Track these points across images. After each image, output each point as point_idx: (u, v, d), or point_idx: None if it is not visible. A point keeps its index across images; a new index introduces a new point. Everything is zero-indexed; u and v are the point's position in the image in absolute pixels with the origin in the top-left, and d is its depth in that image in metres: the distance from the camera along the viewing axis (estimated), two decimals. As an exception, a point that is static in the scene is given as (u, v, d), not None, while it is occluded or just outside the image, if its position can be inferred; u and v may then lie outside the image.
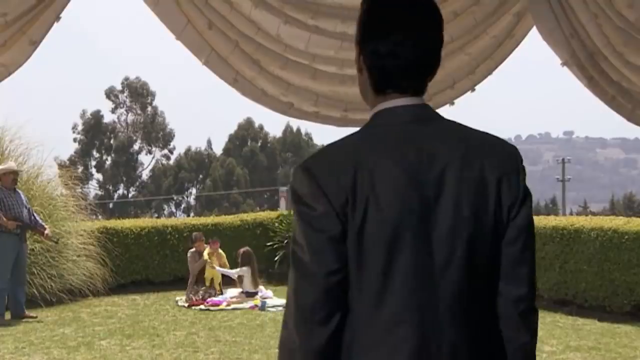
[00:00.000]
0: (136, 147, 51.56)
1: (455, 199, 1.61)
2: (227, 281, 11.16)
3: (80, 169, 40.53)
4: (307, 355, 1.59)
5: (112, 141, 50.52)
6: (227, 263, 11.24)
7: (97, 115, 49.88)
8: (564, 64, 3.58)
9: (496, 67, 3.76)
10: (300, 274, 1.61)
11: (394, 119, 1.68)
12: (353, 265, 1.58)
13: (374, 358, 1.59)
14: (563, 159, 49.91)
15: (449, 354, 1.59)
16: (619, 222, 9.45)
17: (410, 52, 1.68)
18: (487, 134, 1.72)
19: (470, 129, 1.72)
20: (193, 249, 11.19)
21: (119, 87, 51.30)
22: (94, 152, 50.39)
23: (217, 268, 11.03)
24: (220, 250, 11.29)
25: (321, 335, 1.58)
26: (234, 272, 10.97)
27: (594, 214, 15.08)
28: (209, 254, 11.06)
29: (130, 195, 50.48)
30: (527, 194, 1.70)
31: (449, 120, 1.72)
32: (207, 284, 10.89)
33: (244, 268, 10.90)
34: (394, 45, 1.67)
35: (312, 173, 1.62)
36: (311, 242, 1.58)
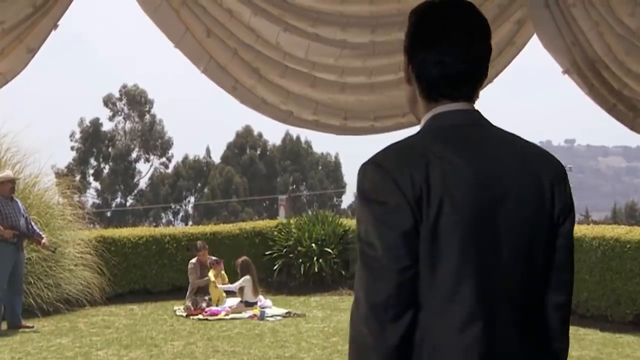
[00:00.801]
0: (134, 155, 51.50)
1: (518, 200, 1.67)
2: (227, 291, 11.10)
3: (78, 177, 40.45)
4: (383, 353, 1.58)
5: (110, 149, 50.46)
6: (228, 282, 11.20)
7: (95, 123, 49.84)
8: (565, 72, 3.56)
9: (497, 75, 3.73)
10: (372, 271, 1.59)
11: (451, 122, 1.73)
12: (425, 261, 1.59)
13: (446, 359, 1.59)
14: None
15: (513, 354, 1.64)
16: (621, 231, 9.42)
17: (460, 63, 1.74)
18: (532, 142, 1.79)
19: (517, 135, 1.79)
20: (195, 259, 11.10)
21: (117, 95, 51.30)
22: (92, 161, 50.32)
23: (220, 286, 10.95)
24: (222, 272, 11.23)
25: (395, 333, 1.57)
26: (235, 286, 10.91)
27: (595, 222, 15.04)
28: (214, 275, 10.95)
29: (128, 204, 50.39)
30: (572, 203, 1.77)
31: (498, 127, 1.79)
32: (215, 304, 10.78)
33: (246, 277, 10.86)
34: (444, 56, 1.73)
35: (385, 167, 1.63)
36: (384, 238, 1.58)
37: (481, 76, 1.79)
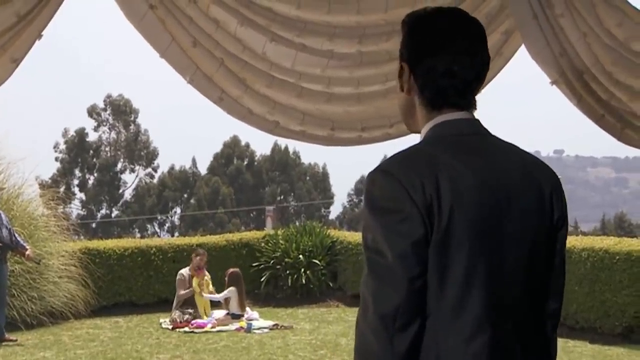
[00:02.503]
0: (119, 165, 51.26)
1: (522, 208, 1.69)
2: (213, 302, 11.03)
3: (62, 188, 40.20)
4: None
5: (94, 160, 50.18)
6: (213, 291, 11.11)
7: (80, 134, 49.57)
8: (553, 82, 3.55)
9: (485, 85, 3.72)
10: (382, 280, 1.57)
11: (455, 131, 1.73)
12: (434, 270, 1.58)
13: None
14: None
15: None
16: (610, 242, 9.43)
17: (468, 71, 1.75)
18: (528, 152, 1.82)
19: (515, 145, 1.81)
20: (185, 269, 10.98)
21: (102, 105, 51.08)
22: (77, 171, 50.02)
23: (205, 295, 10.87)
24: (207, 280, 11.13)
25: (402, 342, 1.56)
26: (221, 297, 10.84)
27: (584, 233, 15.11)
28: (198, 284, 10.86)
29: (113, 215, 50.11)
30: (567, 211, 1.80)
31: (496, 136, 1.80)
32: (202, 311, 10.68)
33: (231, 289, 10.78)
34: (452, 64, 1.73)
35: (395, 176, 1.61)
36: (395, 247, 1.57)
37: (482, 83, 1.83)
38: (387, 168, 1.65)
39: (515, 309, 1.65)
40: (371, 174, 1.66)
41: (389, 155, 1.73)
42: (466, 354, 1.59)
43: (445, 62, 1.73)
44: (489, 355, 1.60)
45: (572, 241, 9.86)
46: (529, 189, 1.72)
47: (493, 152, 1.73)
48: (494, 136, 1.79)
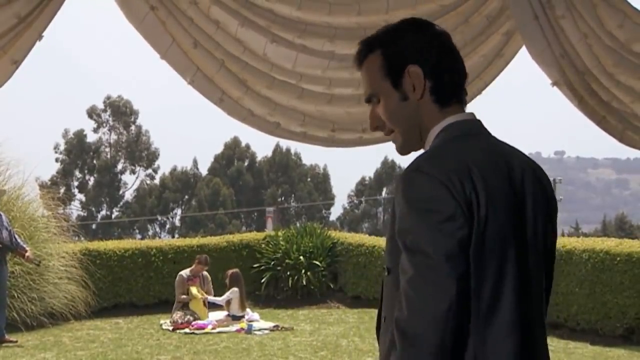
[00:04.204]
0: (120, 166, 51.24)
1: (534, 207, 1.71)
2: (213, 303, 11.01)
3: (63, 189, 40.20)
4: None
5: (94, 161, 50.16)
6: (211, 288, 11.09)
7: (80, 135, 49.55)
8: (554, 84, 3.54)
9: (485, 86, 3.72)
10: (431, 281, 1.55)
11: (468, 130, 1.78)
12: (473, 271, 1.58)
13: None
14: (554, 179, 50.40)
15: None
16: (610, 244, 9.42)
17: (461, 65, 1.82)
18: (524, 153, 1.84)
19: (511, 145, 1.84)
20: (185, 271, 10.97)
21: (101, 106, 51.07)
22: (77, 172, 50.00)
23: (210, 298, 10.83)
24: (206, 273, 11.11)
25: (453, 340, 1.54)
26: (223, 299, 10.81)
27: (585, 235, 15.13)
28: (196, 290, 10.81)
29: (113, 216, 50.10)
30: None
31: (495, 137, 1.83)
32: (200, 315, 10.65)
33: (234, 289, 10.78)
34: (455, 59, 1.81)
35: (434, 176, 1.61)
36: (441, 246, 1.55)
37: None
38: (424, 168, 1.63)
39: (537, 309, 1.70)
40: (408, 175, 1.64)
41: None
42: (501, 354, 1.61)
43: (450, 57, 1.80)
44: (521, 356, 1.63)
45: (572, 242, 9.86)
46: (539, 191, 1.74)
47: (505, 151, 1.75)
48: (494, 137, 1.81)
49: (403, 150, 1.85)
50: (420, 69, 1.77)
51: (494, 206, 1.62)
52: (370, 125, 1.88)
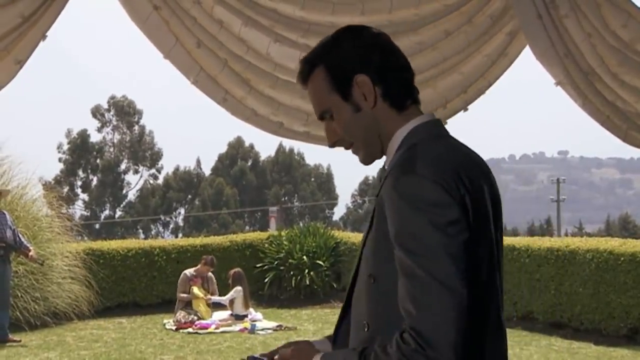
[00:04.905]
0: (123, 166, 51.29)
1: (497, 209, 1.72)
2: (217, 303, 11.01)
3: (66, 189, 40.24)
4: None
5: (98, 160, 50.21)
6: (216, 288, 11.09)
7: (83, 135, 49.61)
8: (557, 83, 3.54)
9: (489, 86, 3.71)
10: (441, 285, 1.53)
11: (437, 132, 1.74)
12: (472, 273, 1.60)
13: None
14: (558, 179, 48.76)
15: None
16: (614, 244, 9.39)
17: (406, 60, 1.79)
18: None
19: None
20: (189, 270, 10.97)
21: (106, 106, 51.11)
22: (80, 172, 50.04)
23: (213, 298, 10.83)
24: (210, 274, 11.11)
25: (467, 343, 1.54)
26: (226, 298, 10.82)
27: (589, 235, 15.11)
28: (198, 290, 10.82)
29: (117, 215, 50.14)
30: None
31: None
32: (203, 315, 10.66)
33: (237, 288, 10.78)
34: (398, 57, 1.77)
35: (435, 179, 1.58)
36: (448, 249, 1.54)
37: None
38: (421, 171, 1.60)
39: (501, 308, 1.72)
40: (406, 178, 1.60)
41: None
42: (490, 352, 1.65)
43: (393, 59, 1.76)
44: (502, 356, 1.70)
45: (576, 242, 9.84)
46: (497, 193, 1.75)
47: (474, 154, 1.75)
48: (454, 137, 1.80)
49: (367, 161, 1.82)
50: (367, 77, 1.72)
51: (479, 207, 1.63)
52: (328, 142, 1.84)
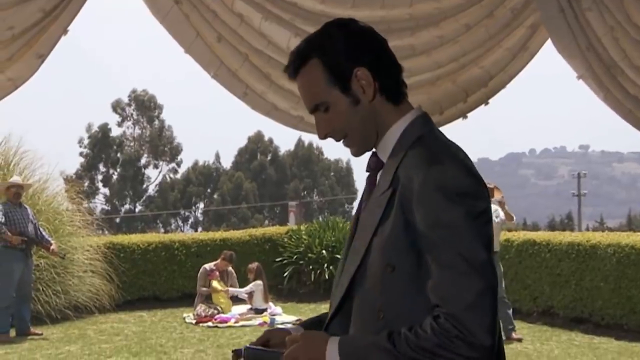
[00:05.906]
0: (143, 161, 51.60)
1: None
2: (236, 297, 11.05)
3: (87, 183, 40.59)
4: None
5: (118, 155, 50.54)
6: (236, 282, 11.14)
7: (104, 129, 49.94)
8: (579, 77, 3.50)
9: (510, 80, 3.68)
10: (479, 272, 1.59)
11: (432, 126, 1.78)
12: None
13: None
14: (579, 174, 48.25)
15: None
16: (636, 238, 9.29)
17: (394, 54, 1.81)
18: None
19: None
20: (209, 264, 11.02)
21: (126, 100, 51.39)
22: (101, 166, 50.41)
23: (231, 290, 10.89)
24: (230, 269, 11.15)
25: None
26: (244, 291, 10.87)
27: (610, 229, 14.93)
28: (218, 283, 10.85)
29: (137, 210, 50.47)
30: None
31: None
32: (223, 308, 10.71)
33: (257, 282, 10.82)
34: (388, 51, 1.79)
35: (470, 172, 1.66)
36: (481, 238, 1.61)
37: None
38: (464, 160, 1.67)
39: None
40: (439, 171, 1.62)
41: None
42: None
43: (385, 52, 1.79)
44: None
45: (597, 237, 9.75)
46: None
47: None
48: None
49: (359, 153, 1.84)
50: (367, 70, 1.74)
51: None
52: (319, 135, 1.85)
